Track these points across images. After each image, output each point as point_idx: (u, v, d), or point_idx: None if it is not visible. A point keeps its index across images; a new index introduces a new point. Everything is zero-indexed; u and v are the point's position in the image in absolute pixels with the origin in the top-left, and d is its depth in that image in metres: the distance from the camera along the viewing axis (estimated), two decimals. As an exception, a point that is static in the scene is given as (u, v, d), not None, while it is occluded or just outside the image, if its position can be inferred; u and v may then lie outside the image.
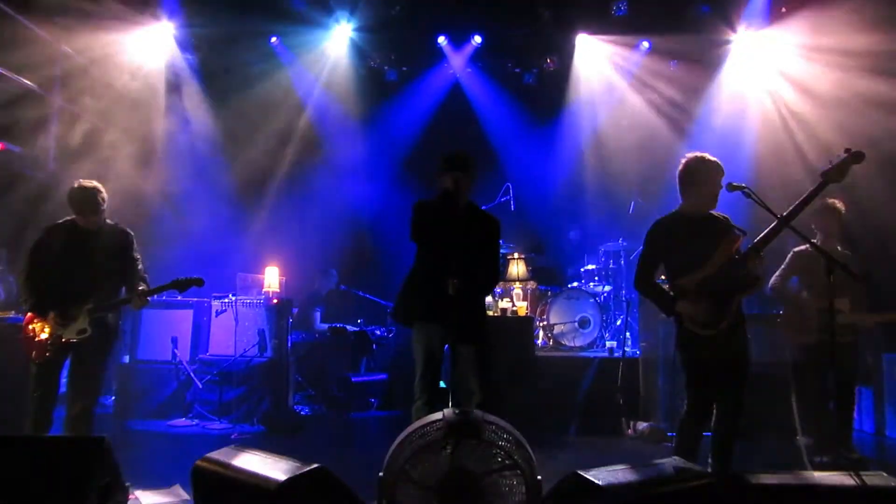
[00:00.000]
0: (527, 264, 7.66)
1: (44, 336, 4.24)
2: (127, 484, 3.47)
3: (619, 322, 7.47)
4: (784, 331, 5.15)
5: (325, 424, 6.81)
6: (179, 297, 6.04)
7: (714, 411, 3.84)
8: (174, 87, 8.29)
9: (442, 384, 4.56)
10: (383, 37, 8.75)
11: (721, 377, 3.79)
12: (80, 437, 3.91)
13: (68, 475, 3.00)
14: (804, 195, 3.64)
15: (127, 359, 6.92)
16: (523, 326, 6.61)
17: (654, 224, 4.00)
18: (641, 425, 6.05)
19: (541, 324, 7.31)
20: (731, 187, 3.73)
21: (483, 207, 7.41)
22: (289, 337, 6.84)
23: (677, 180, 3.95)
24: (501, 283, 7.47)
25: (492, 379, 4.07)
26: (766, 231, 3.68)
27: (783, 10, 7.49)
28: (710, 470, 3.69)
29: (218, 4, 7.87)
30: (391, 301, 8.38)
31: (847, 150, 3.63)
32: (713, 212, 3.93)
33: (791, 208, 3.62)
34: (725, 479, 2.95)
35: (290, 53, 8.73)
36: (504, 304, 7.00)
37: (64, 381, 4.40)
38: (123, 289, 4.53)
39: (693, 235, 3.82)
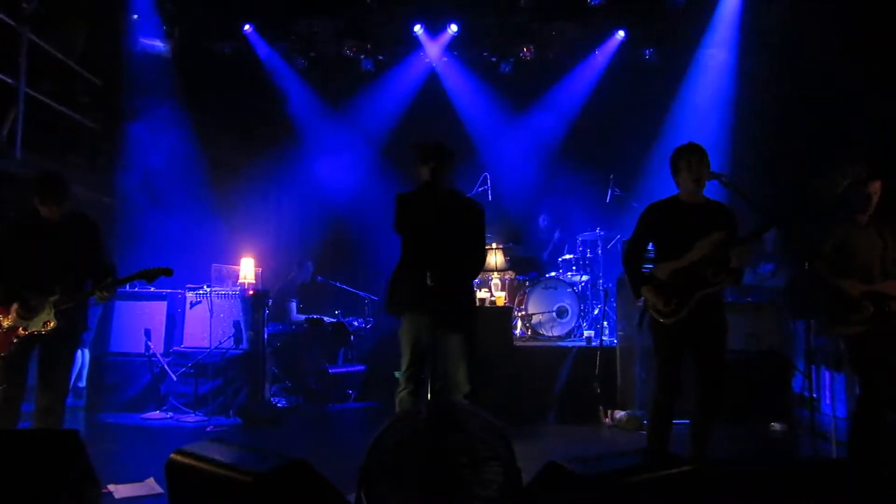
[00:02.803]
0: (505, 254, 7.66)
1: (7, 328, 4.14)
2: (99, 478, 3.40)
3: (596, 311, 7.51)
4: (825, 320, 4.42)
5: (302, 416, 6.75)
6: (152, 289, 5.98)
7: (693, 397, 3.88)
8: (145, 75, 8.11)
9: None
10: (359, 25, 8.65)
11: (697, 366, 3.83)
12: (51, 431, 3.82)
13: (39, 470, 2.93)
14: (798, 203, 3.66)
15: (87, 352, 6.78)
16: (501, 316, 6.61)
17: (648, 206, 4.04)
18: (619, 414, 6.09)
19: (519, 313, 7.32)
20: (709, 176, 3.75)
21: (462, 196, 7.48)
22: (265, 328, 6.77)
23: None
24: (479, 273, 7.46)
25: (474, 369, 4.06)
26: (752, 230, 3.70)
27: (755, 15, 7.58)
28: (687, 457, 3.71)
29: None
30: (369, 292, 8.36)
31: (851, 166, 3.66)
32: (716, 202, 3.95)
33: (785, 213, 3.64)
34: (703, 466, 2.97)
35: (265, 41, 8.60)
36: (482, 294, 6.99)
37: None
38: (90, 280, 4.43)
39: (683, 222, 3.85)
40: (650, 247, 4.11)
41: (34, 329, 4.14)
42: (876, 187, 4.28)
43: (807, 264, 3.61)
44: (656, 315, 3.82)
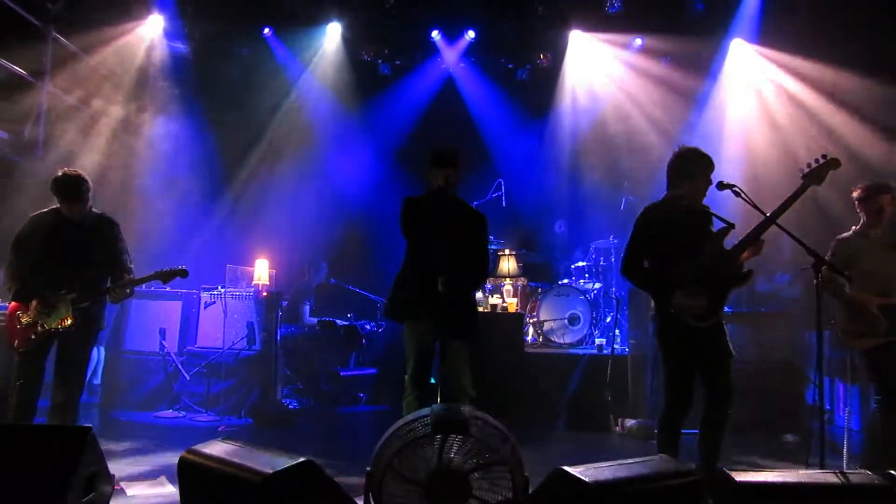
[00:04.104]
0: (517, 260, 7.66)
1: (26, 324, 4.20)
2: (112, 474, 3.44)
3: (608, 319, 7.49)
4: (840, 333, 4.42)
5: (313, 418, 6.79)
6: (168, 289, 6.04)
7: (703, 406, 3.86)
8: (166, 76, 8.22)
9: (432, 379, 4.58)
10: (377, 30, 8.72)
11: (707, 372, 3.81)
12: (65, 427, 3.88)
13: (52, 465, 2.98)
14: (787, 197, 3.67)
15: (103, 350, 6.86)
16: (513, 323, 6.63)
17: (644, 210, 3.99)
18: (629, 422, 6.07)
19: (531, 320, 7.32)
20: (721, 185, 3.74)
21: (475, 203, 7.52)
22: (278, 330, 6.82)
23: (670, 169, 3.95)
24: (492, 279, 7.48)
25: (481, 376, 4.07)
26: (752, 229, 3.70)
27: (774, 24, 7.57)
28: (696, 467, 3.70)
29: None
30: (381, 295, 8.38)
31: (823, 156, 3.69)
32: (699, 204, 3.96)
33: (776, 208, 3.65)
34: (711, 476, 2.96)
35: (283, 45, 8.68)
36: (494, 300, 7.00)
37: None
38: (109, 278, 4.50)
39: (682, 225, 3.83)
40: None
41: (52, 326, 4.21)
42: (886, 200, 4.27)
43: (819, 276, 3.58)
44: (693, 321, 3.73)
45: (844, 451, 4.63)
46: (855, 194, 4.39)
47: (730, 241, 3.83)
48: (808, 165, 3.70)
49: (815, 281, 3.57)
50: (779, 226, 3.65)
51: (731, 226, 3.79)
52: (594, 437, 6.00)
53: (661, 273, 3.87)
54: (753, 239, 3.69)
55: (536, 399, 6.34)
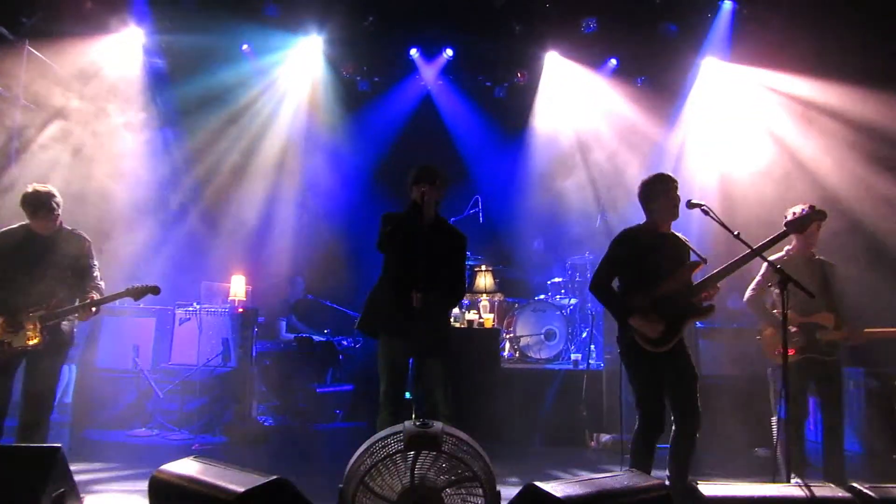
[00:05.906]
0: (494, 276, 7.70)
1: None
2: (81, 495, 3.40)
3: (584, 335, 7.53)
4: (763, 348, 4.75)
5: (289, 435, 6.74)
6: (141, 305, 5.98)
7: (673, 422, 3.92)
8: (142, 92, 8.18)
9: (407, 395, 4.59)
10: (356, 47, 8.76)
11: (673, 393, 3.88)
12: (33, 447, 3.80)
13: (20, 486, 2.94)
14: (766, 240, 3.80)
15: (74, 368, 6.74)
16: (490, 338, 6.65)
17: (620, 233, 4.10)
18: (604, 437, 6.12)
19: (507, 336, 7.35)
20: (690, 205, 3.84)
21: (452, 220, 7.57)
22: (254, 346, 6.78)
23: (638, 198, 4.07)
24: (468, 294, 7.50)
25: (458, 391, 4.10)
26: (726, 265, 3.81)
27: (745, 44, 7.75)
28: (666, 481, 3.75)
29: (188, 10, 7.81)
30: (359, 311, 8.36)
31: (811, 207, 3.82)
32: (678, 234, 4.04)
33: (755, 248, 3.74)
34: (680, 490, 3.00)
35: (262, 61, 8.69)
36: (471, 315, 7.02)
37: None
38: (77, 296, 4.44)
39: (654, 251, 3.92)
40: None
41: (19, 344, 4.14)
42: (815, 227, 4.46)
43: (784, 292, 3.68)
44: (646, 345, 3.83)
45: (810, 464, 4.72)
46: (788, 216, 4.50)
47: (698, 276, 3.93)
48: (794, 214, 3.82)
49: (782, 294, 3.66)
50: (757, 252, 3.74)
51: (703, 261, 3.89)
52: (569, 453, 6.03)
53: (625, 296, 3.96)
54: (722, 276, 3.80)
55: (512, 414, 6.36)
